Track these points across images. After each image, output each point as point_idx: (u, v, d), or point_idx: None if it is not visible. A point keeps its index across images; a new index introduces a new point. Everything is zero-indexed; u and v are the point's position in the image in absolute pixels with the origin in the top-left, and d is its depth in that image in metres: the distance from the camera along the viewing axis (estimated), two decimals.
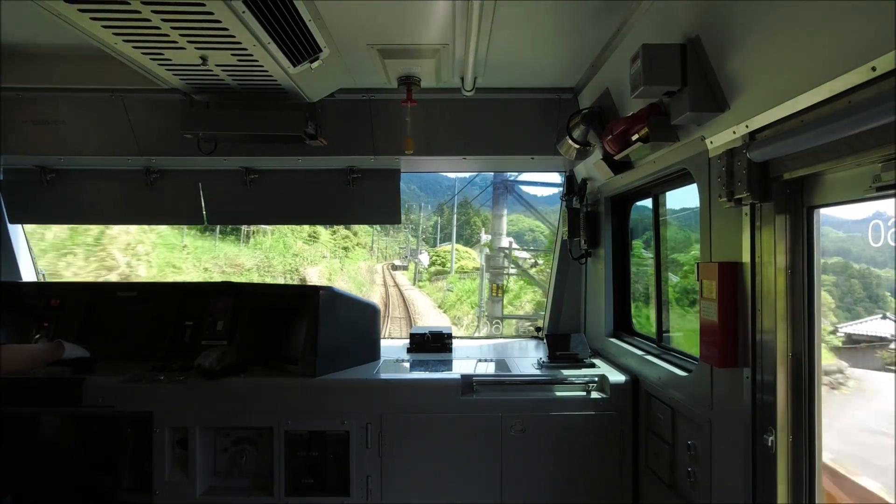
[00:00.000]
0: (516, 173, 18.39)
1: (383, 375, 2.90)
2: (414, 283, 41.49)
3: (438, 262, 47.80)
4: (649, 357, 2.70)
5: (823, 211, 1.68)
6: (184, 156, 3.38)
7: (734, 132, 1.78)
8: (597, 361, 3.18)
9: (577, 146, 2.88)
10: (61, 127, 3.29)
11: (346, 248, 49.77)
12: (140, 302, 3.38)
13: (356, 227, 44.46)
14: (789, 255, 1.70)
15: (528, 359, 3.33)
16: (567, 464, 2.79)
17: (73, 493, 2.97)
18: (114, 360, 3.08)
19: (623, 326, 3.35)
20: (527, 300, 25.18)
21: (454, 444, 2.78)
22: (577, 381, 2.87)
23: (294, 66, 2.38)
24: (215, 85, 2.62)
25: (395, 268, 51.84)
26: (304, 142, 3.04)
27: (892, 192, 1.30)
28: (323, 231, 42.18)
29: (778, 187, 1.69)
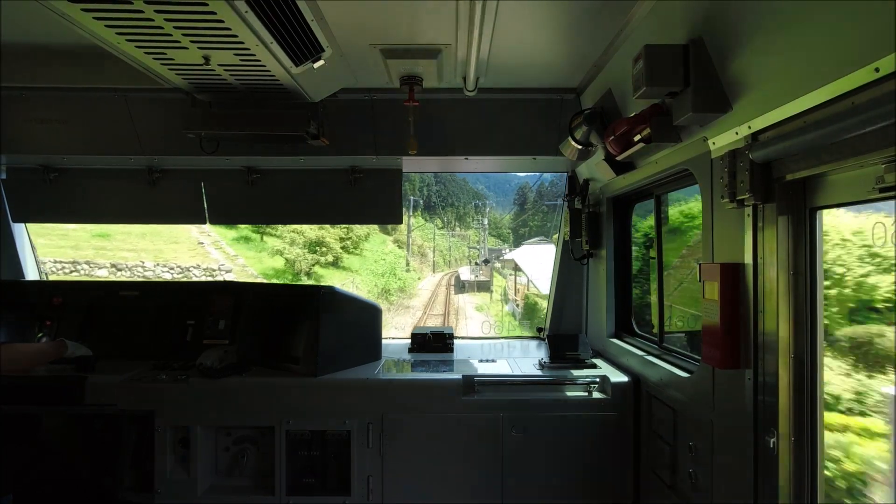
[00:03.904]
0: None
1: (385, 375, 2.90)
2: None
3: None
4: (650, 358, 2.70)
5: None
6: (186, 155, 3.38)
7: (737, 133, 1.77)
8: (598, 362, 3.17)
9: (580, 147, 2.88)
10: (64, 126, 3.30)
11: (346, 242, 30.46)
12: (142, 301, 3.39)
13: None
14: (792, 256, 1.70)
15: (529, 359, 3.33)
16: (568, 464, 2.78)
17: (75, 492, 2.98)
18: (116, 358, 3.09)
19: (624, 327, 3.34)
20: None
21: (455, 444, 2.78)
22: (578, 382, 2.87)
23: (296, 65, 2.38)
24: (218, 84, 2.62)
25: (460, 285, 29.50)
26: (306, 141, 3.04)
27: (894, 193, 1.30)
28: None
29: (780, 188, 1.68)
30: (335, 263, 30.27)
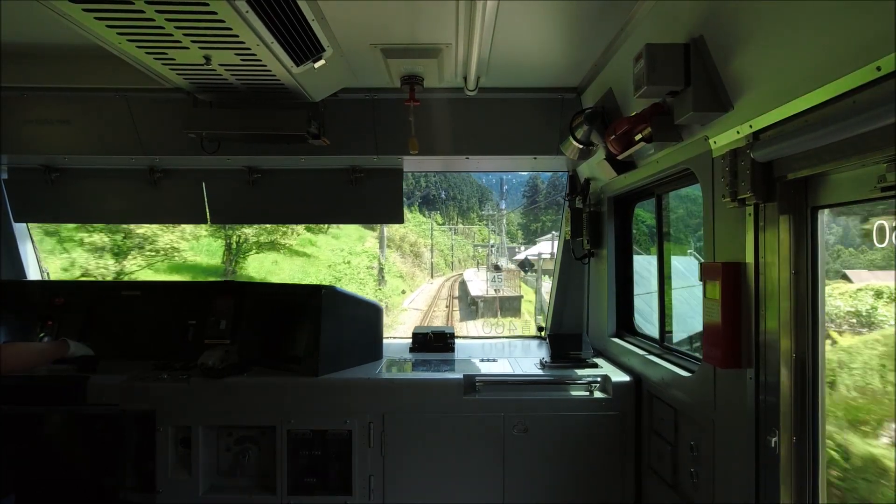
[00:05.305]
0: None
1: (386, 375, 2.90)
2: None
3: None
4: (652, 357, 2.69)
5: None
6: (187, 155, 3.39)
7: (738, 132, 1.77)
8: (599, 361, 3.17)
9: (580, 146, 2.87)
10: (66, 126, 3.30)
11: (240, 232, 17.23)
12: (143, 301, 3.39)
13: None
14: (793, 255, 1.70)
15: (530, 358, 3.33)
16: (569, 464, 2.78)
17: (77, 492, 2.98)
18: (117, 358, 3.10)
19: (625, 326, 3.34)
20: None
21: (456, 444, 2.78)
22: (579, 381, 2.87)
23: (297, 65, 2.38)
24: (219, 84, 2.63)
25: (468, 303, 20.09)
26: (307, 141, 3.04)
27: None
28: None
29: (782, 187, 1.68)
30: (231, 272, 17.69)
